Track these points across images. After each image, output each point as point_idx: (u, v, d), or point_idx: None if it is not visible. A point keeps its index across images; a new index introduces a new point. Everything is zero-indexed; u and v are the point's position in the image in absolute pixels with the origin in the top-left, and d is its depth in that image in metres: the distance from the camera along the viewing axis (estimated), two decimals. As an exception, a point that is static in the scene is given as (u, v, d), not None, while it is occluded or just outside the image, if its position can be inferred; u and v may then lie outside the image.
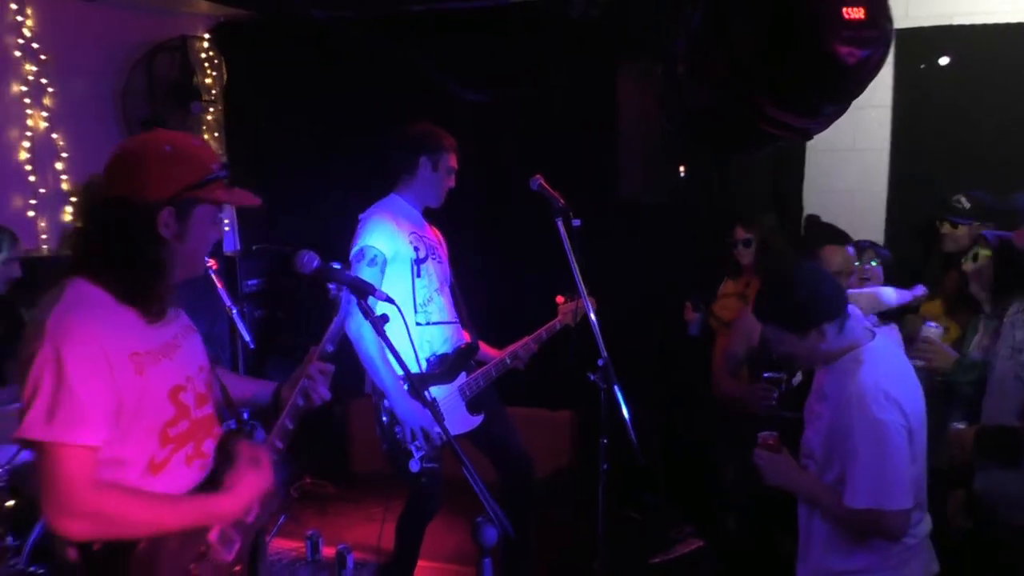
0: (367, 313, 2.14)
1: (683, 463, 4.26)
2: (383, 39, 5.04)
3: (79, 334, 1.74)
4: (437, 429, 3.15)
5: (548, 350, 3.76)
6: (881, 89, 4.52)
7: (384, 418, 3.27)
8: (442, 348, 3.48)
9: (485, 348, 3.67)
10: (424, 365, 3.39)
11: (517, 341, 3.64)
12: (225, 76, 5.92)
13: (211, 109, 5.89)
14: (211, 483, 1.98)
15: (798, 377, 3.21)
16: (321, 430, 5.38)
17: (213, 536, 1.96)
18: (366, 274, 3.19)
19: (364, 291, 2.15)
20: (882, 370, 2.39)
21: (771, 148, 3.81)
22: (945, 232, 3.71)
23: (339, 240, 3.44)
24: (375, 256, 3.28)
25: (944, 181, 4.22)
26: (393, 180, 3.55)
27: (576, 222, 3.22)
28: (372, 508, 4.94)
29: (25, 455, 3.10)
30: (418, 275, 3.41)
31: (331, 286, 2.19)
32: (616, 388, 3.12)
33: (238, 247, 6.09)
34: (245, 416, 2.36)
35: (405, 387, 3.23)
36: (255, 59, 5.82)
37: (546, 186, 3.40)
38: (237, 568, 2.04)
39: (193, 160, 1.87)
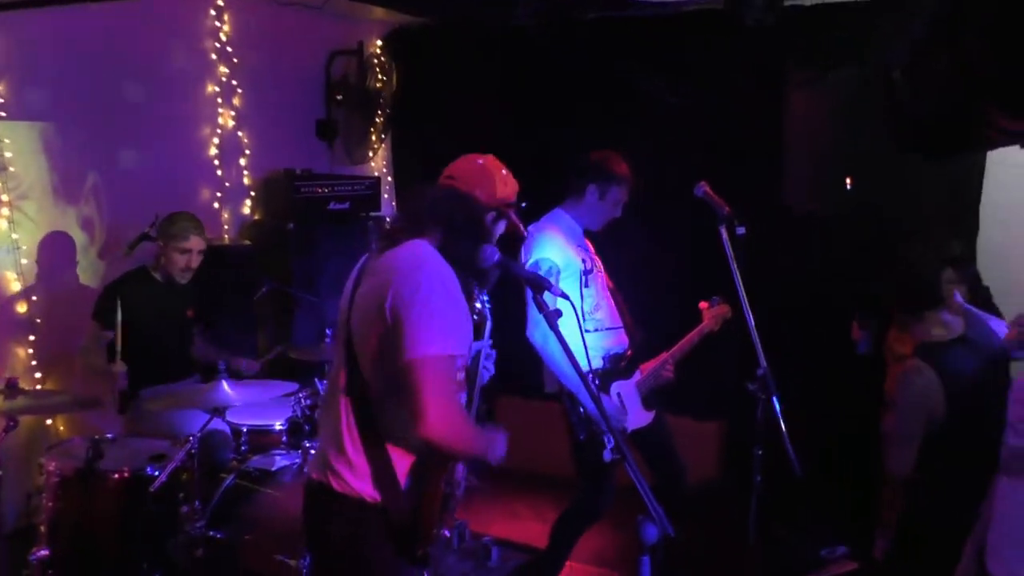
0: (542, 307, 2.20)
1: (839, 481, 4.12)
2: (555, 45, 5.09)
3: (450, 275, 2.14)
4: (625, 420, 3.45)
5: (693, 359, 3.74)
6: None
7: (581, 410, 3.39)
8: (613, 350, 3.61)
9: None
10: (602, 363, 3.55)
11: (673, 346, 3.67)
12: (395, 82, 6.17)
13: (380, 113, 6.15)
14: None
15: None
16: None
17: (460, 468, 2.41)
18: None
19: (541, 287, 2.22)
20: None
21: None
22: None
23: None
24: (550, 267, 3.41)
25: None
26: (562, 197, 3.66)
27: (740, 230, 3.18)
28: (515, 504, 5.04)
29: (216, 423, 3.34)
30: (586, 285, 3.54)
31: (478, 303, 2.48)
32: (774, 399, 3.07)
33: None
34: None
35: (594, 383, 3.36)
36: (425, 66, 6.03)
37: (711, 193, 3.36)
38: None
39: (512, 185, 2.41)
